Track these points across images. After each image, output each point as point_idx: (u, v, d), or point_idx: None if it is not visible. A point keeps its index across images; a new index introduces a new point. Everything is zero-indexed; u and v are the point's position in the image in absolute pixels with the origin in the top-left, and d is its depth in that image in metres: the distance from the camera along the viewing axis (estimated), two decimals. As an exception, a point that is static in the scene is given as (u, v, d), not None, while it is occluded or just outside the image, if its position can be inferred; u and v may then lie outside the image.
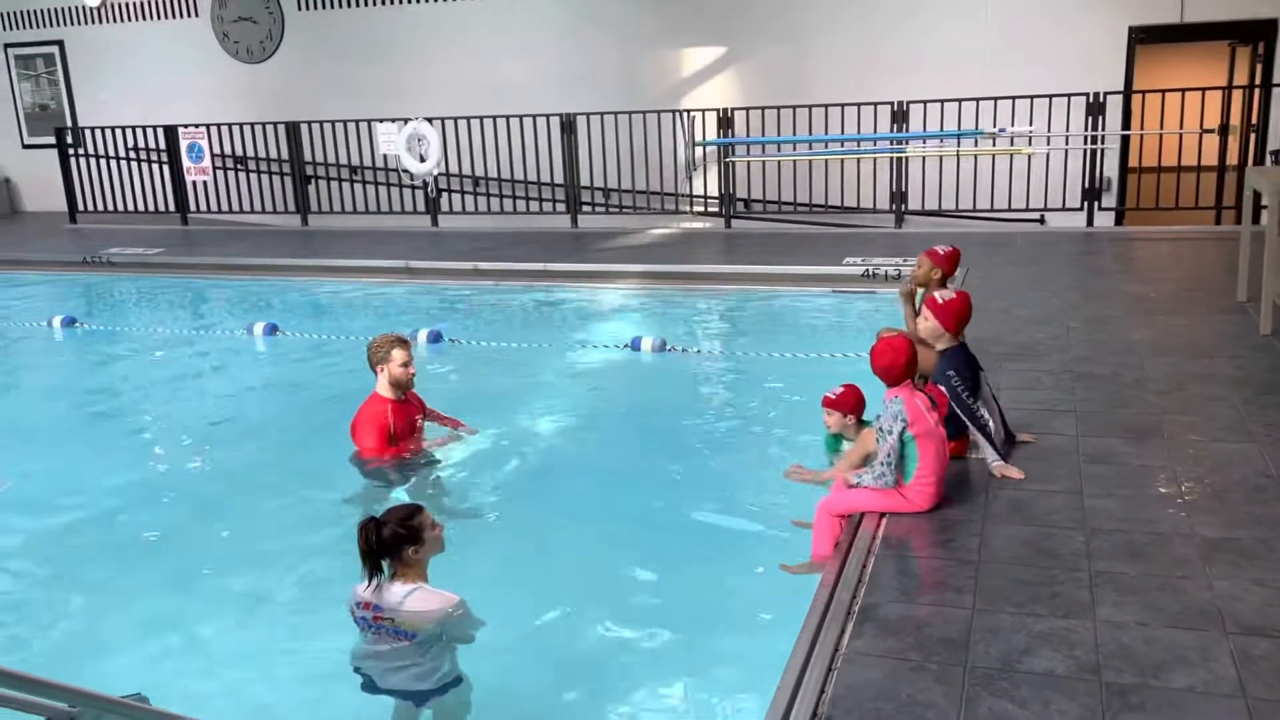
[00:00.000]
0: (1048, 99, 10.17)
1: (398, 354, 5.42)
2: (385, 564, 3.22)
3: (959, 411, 4.25)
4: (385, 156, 12.27)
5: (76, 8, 14.73)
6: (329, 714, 3.56)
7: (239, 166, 13.20)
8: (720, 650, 3.85)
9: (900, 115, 10.68)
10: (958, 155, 10.64)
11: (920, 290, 5.60)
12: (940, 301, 4.40)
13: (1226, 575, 3.40)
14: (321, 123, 12.53)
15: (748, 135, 11.44)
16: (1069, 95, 10.13)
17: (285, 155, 12.85)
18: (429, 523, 3.30)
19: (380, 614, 3.22)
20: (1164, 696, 2.79)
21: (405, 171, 12.11)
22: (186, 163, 12.93)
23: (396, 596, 3.21)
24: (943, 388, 4.20)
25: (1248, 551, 3.56)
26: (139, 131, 13.20)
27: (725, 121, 11.34)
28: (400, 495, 5.20)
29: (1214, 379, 5.44)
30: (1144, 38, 10.68)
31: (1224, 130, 10.26)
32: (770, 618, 3.94)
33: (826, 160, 11.09)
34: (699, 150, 11.62)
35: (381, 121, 12.08)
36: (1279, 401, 5.04)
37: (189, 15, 14.25)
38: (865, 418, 5.22)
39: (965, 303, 4.42)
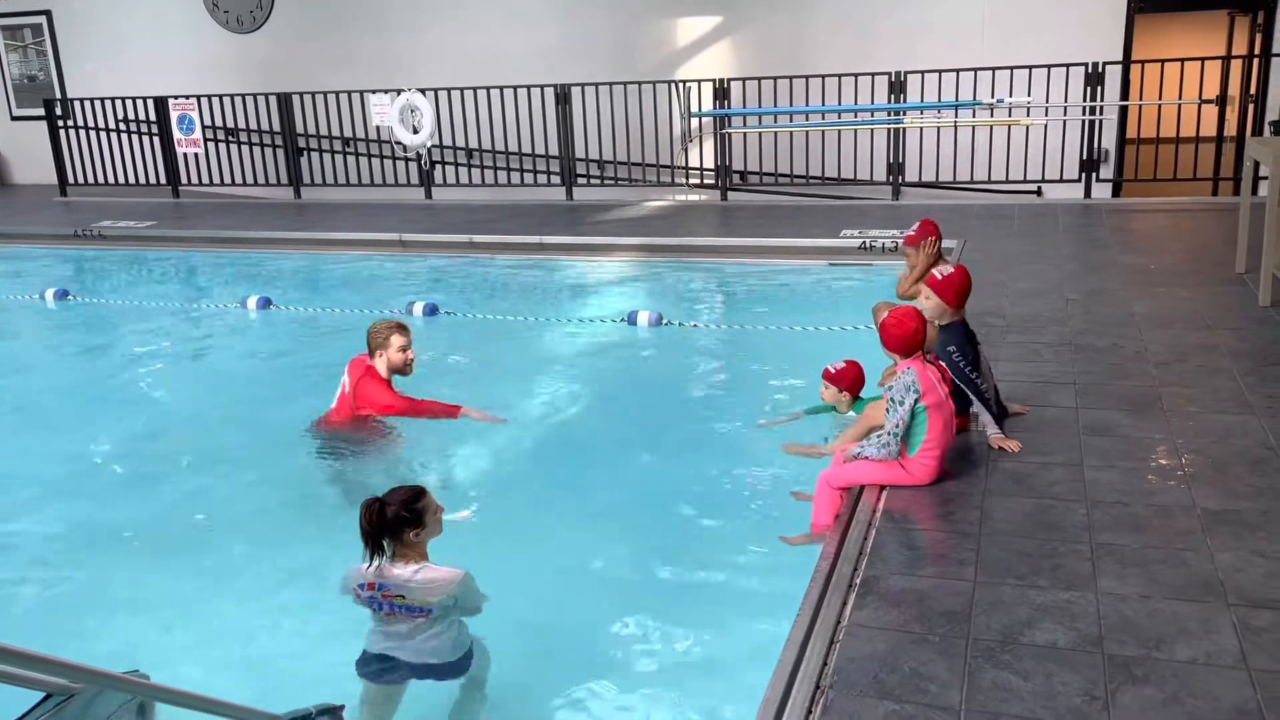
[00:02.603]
0: (1046, 69, 10.10)
1: (396, 339, 5.38)
2: (386, 544, 3.20)
3: (961, 385, 4.23)
4: (378, 128, 12.17)
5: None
6: (331, 687, 3.55)
7: (230, 138, 13.08)
8: (720, 623, 3.85)
9: (898, 86, 10.60)
10: (955, 126, 10.58)
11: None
12: (940, 278, 4.36)
13: (1228, 547, 3.40)
14: (314, 94, 12.41)
15: (744, 106, 11.35)
16: (1067, 65, 10.05)
17: (277, 127, 12.73)
18: (432, 506, 3.27)
19: (389, 591, 3.20)
20: (1167, 668, 2.79)
21: (398, 143, 12.01)
22: (177, 134, 12.80)
23: (402, 576, 3.19)
24: (943, 363, 4.18)
25: (1249, 523, 3.55)
26: (129, 103, 13.06)
27: (721, 92, 11.24)
28: (390, 469, 5.18)
29: (1214, 351, 5.42)
30: (1143, 7, 10.60)
31: (1222, 100, 10.20)
32: (770, 590, 3.93)
33: (823, 131, 11.01)
34: (695, 122, 11.53)
35: (374, 93, 11.96)
36: (1279, 373, 5.04)
37: (177, -15, 14.08)
38: (861, 396, 5.23)
39: (964, 276, 4.39)
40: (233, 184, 13.07)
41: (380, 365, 5.42)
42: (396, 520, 3.18)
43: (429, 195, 12.36)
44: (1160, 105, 10.23)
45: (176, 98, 12.72)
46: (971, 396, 4.29)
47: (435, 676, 3.33)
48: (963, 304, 4.39)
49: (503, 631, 3.55)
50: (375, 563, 3.19)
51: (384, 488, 3.32)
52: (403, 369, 5.43)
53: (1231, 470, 3.98)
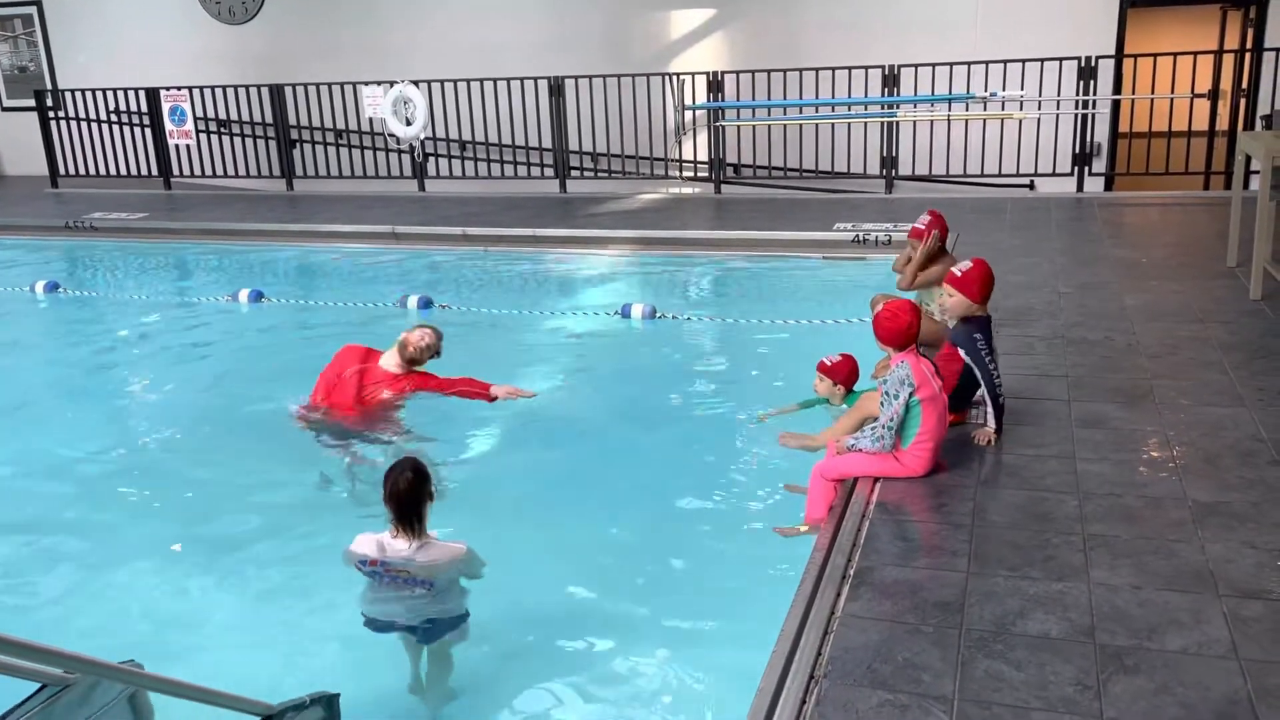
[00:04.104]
0: (1039, 63, 10.11)
1: (422, 330, 5.57)
2: (417, 518, 3.29)
3: (979, 374, 4.21)
4: (371, 120, 12.13)
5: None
6: (328, 678, 3.55)
7: (222, 130, 13.02)
8: (715, 614, 3.86)
9: (891, 79, 10.61)
10: (948, 120, 10.59)
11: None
12: (960, 275, 4.31)
13: (1219, 538, 3.42)
14: (306, 85, 12.36)
15: (738, 99, 11.34)
16: (1060, 59, 10.07)
17: (269, 118, 12.68)
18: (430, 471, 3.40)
19: (391, 568, 3.25)
20: (1158, 658, 2.81)
21: (391, 135, 11.98)
22: (169, 126, 12.74)
23: (405, 553, 3.24)
24: (963, 351, 4.18)
25: (1239, 514, 3.58)
26: (120, 94, 13.00)
27: (715, 85, 11.23)
28: (382, 455, 5.17)
29: (1205, 344, 5.45)
30: (1135, 1, 10.61)
31: (1214, 95, 10.23)
32: (765, 581, 3.95)
33: (817, 125, 11.01)
34: (688, 114, 11.52)
35: (367, 85, 11.92)
36: (1270, 366, 5.06)
37: (169, -25, 14.01)
38: (854, 389, 5.24)
39: (985, 270, 4.32)
40: (225, 176, 13.01)
41: (392, 352, 5.54)
42: (423, 490, 3.28)
43: (422, 187, 12.33)
44: (1152, 99, 10.25)
45: (168, 89, 12.66)
46: (984, 387, 4.27)
47: (435, 634, 3.40)
48: (987, 298, 4.35)
49: (493, 619, 3.56)
50: (382, 535, 3.26)
51: (378, 474, 3.36)
52: (410, 347, 5.50)
53: (1222, 462, 4.00)
